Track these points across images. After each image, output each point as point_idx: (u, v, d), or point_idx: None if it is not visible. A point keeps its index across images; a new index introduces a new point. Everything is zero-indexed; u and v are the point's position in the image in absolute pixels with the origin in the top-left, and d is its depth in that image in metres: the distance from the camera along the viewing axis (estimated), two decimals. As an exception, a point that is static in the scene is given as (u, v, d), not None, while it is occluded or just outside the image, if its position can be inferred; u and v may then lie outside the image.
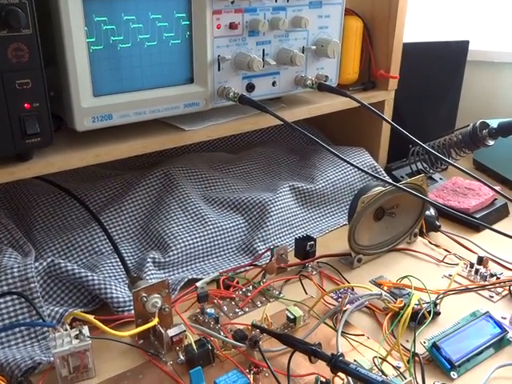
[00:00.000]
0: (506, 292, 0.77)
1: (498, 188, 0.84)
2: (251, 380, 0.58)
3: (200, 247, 0.84)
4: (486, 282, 0.79)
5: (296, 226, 0.94)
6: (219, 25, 0.78)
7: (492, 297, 0.76)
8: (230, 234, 0.87)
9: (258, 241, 0.87)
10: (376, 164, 1.05)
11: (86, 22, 0.67)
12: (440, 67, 1.16)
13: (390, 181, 0.85)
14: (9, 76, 0.61)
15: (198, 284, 0.72)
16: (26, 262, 0.68)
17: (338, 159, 0.97)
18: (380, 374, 0.60)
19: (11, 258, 0.71)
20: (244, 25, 0.81)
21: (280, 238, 0.90)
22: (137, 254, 0.83)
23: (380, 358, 0.63)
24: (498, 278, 0.79)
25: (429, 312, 0.69)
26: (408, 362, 0.62)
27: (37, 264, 0.70)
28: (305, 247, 0.83)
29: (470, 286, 0.78)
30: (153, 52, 0.74)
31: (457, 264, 0.84)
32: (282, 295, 0.77)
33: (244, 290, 0.77)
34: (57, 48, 0.67)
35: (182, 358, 0.63)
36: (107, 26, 0.69)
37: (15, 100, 0.62)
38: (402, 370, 0.62)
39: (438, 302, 0.72)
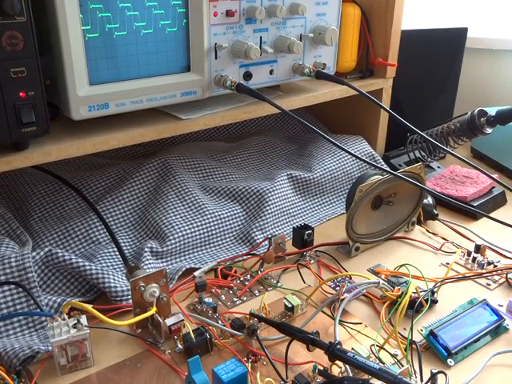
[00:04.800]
0: (503, 280, 0.77)
1: (495, 176, 0.84)
2: (249, 368, 0.58)
3: (198, 236, 0.84)
4: (483, 270, 0.79)
5: (294, 215, 0.94)
6: (216, 12, 0.77)
7: (489, 285, 0.77)
8: (227, 223, 0.87)
9: (255, 230, 0.87)
10: (374, 152, 1.05)
11: (81, 10, 0.66)
12: (438, 54, 1.16)
13: (388, 169, 0.84)
14: (3, 64, 0.61)
15: (196, 273, 0.72)
16: (23, 251, 0.68)
17: (336, 148, 0.97)
18: (377, 361, 0.60)
19: (8, 248, 0.71)
20: (241, 12, 0.80)
21: (278, 227, 0.90)
22: (134, 244, 0.83)
23: (377, 345, 0.63)
24: (495, 266, 0.80)
25: (426, 300, 0.70)
26: (405, 349, 0.62)
27: (34, 254, 0.70)
28: (303, 236, 0.83)
29: (467, 274, 0.78)
30: (149, 40, 0.73)
31: (454, 252, 0.84)
32: (279, 284, 0.77)
33: (242, 279, 0.77)
34: (52, 36, 0.67)
35: (180, 346, 0.64)
36: (103, 13, 0.69)
37: (10, 88, 0.62)
38: (399, 358, 0.62)
39: (435, 290, 0.72)
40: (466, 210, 0.93)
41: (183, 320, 0.65)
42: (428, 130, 1.06)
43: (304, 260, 0.82)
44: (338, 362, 0.57)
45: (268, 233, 0.87)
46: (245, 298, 0.74)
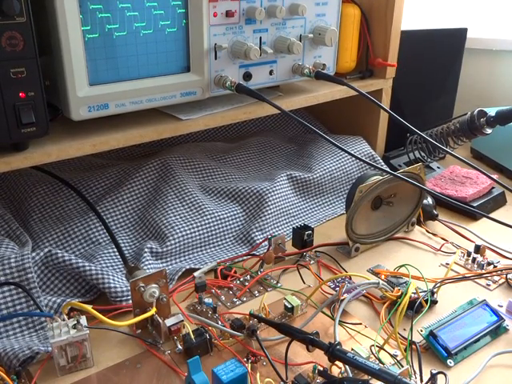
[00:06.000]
0: (503, 280, 0.77)
1: (495, 176, 0.84)
2: (249, 369, 0.58)
3: (197, 237, 0.84)
4: (483, 271, 0.79)
5: (294, 216, 0.94)
6: (216, 13, 0.77)
7: (489, 285, 0.77)
8: (227, 223, 0.87)
9: (255, 230, 0.87)
10: (374, 153, 1.05)
11: (81, 10, 0.66)
12: (438, 55, 1.16)
13: (388, 170, 0.84)
14: (3, 64, 0.61)
15: (196, 274, 0.72)
16: (23, 252, 0.68)
17: (336, 148, 0.97)
18: (377, 362, 0.60)
19: (8, 249, 0.71)
20: (241, 12, 0.80)
21: (278, 227, 0.90)
22: (134, 244, 0.83)
23: (377, 346, 0.63)
24: (494, 267, 0.80)
25: (426, 300, 0.70)
26: (405, 350, 0.62)
27: (34, 254, 0.70)
28: (302, 236, 0.83)
29: (467, 275, 0.78)
30: (149, 40, 0.73)
31: (454, 253, 0.84)
32: (279, 284, 0.77)
33: (242, 279, 0.77)
34: (52, 36, 0.67)
35: (179, 347, 0.63)
36: (102, 13, 0.69)
37: (10, 89, 0.62)
38: (399, 358, 0.62)
39: (435, 290, 0.72)
40: (465, 211, 0.93)
41: (183, 320, 0.65)
42: (428, 131, 1.06)
43: (304, 260, 0.82)
44: (337, 362, 0.57)
45: (268, 233, 0.87)
46: (244, 299, 0.74)
